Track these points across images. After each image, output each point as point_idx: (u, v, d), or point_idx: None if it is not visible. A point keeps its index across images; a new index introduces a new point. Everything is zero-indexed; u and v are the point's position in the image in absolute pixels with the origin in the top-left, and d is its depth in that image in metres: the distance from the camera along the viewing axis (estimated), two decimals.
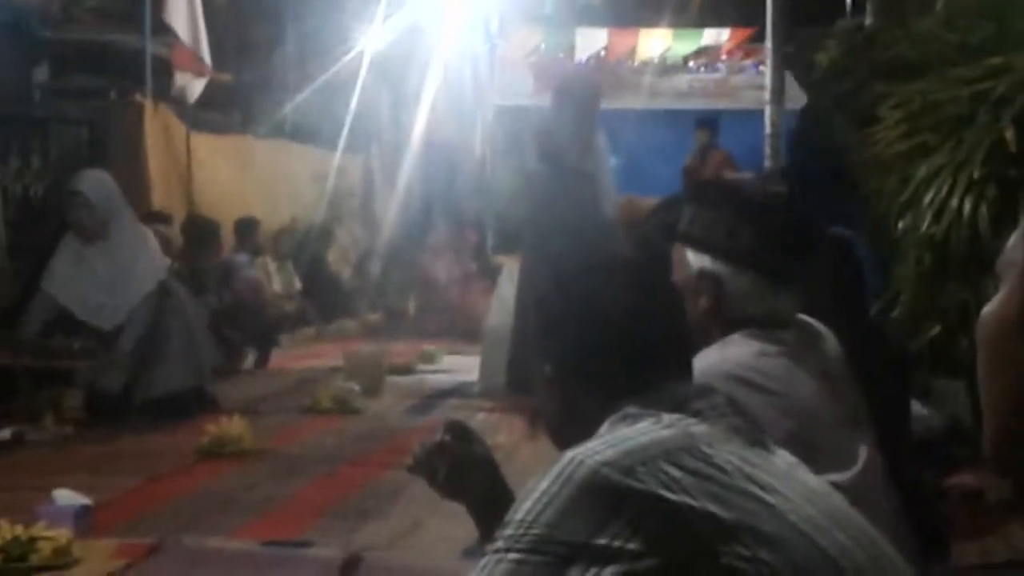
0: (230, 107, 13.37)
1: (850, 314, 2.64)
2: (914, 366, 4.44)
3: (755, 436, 1.84)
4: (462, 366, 8.87)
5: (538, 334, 1.96)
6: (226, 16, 13.32)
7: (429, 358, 9.42)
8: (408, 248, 12.94)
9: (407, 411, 7.50)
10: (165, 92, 11.48)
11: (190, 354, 6.93)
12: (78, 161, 10.91)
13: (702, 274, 2.40)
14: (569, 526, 1.62)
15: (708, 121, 13.06)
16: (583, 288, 1.93)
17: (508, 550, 1.64)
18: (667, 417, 1.76)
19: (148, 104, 10.93)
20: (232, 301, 9.28)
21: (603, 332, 1.88)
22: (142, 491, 5.35)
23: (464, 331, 9.87)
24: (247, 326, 9.17)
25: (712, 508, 1.64)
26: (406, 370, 8.84)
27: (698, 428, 1.76)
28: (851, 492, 1.90)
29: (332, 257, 12.50)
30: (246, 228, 11.01)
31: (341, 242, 12.95)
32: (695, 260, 2.42)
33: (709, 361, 2.27)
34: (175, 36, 11.21)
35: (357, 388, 7.66)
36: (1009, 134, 4.54)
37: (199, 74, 11.61)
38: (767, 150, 9.38)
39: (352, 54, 13.04)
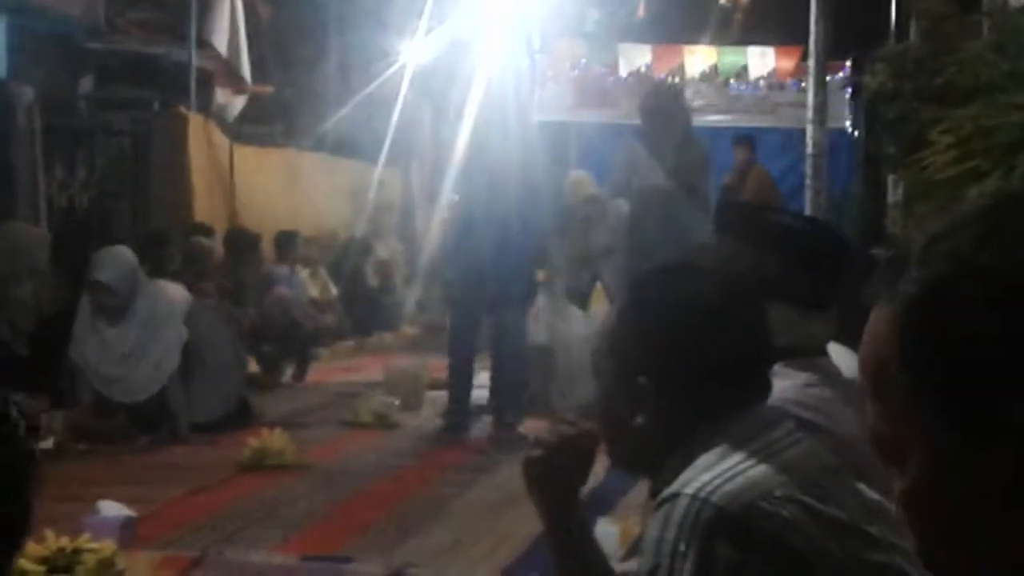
0: (273, 120, 13.44)
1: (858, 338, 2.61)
2: None
3: (832, 469, 1.84)
4: None
5: (632, 343, 1.92)
6: (269, 30, 13.40)
7: None
8: (447, 263, 12.93)
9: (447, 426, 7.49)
10: (208, 105, 11.56)
11: (226, 381, 6.96)
12: (122, 172, 11.01)
13: None
14: None
15: (745, 137, 13.03)
16: (680, 294, 1.91)
17: None
18: (763, 443, 1.76)
19: (192, 116, 11.00)
20: (262, 315, 9.31)
21: (700, 339, 1.86)
22: (185, 503, 5.38)
23: None
24: (282, 340, 9.20)
25: (837, 555, 1.65)
26: (446, 385, 8.82)
27: (793, 456, 1.76)
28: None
29: (371, 271, 12.52)
30: (286, 241, 11.05)
31: (380, 256, 12.96)
32: None
33: None
34: (216, 51, 11.29)
35: (397, 402, 7.67)
36: None
37: (240, 91, 11.69)
38: (808, 169, 9.33)
39: (394, 68, 13.07)
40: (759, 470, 1.70)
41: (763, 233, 2.40)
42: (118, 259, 6.83)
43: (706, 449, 1.76)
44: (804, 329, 2.35)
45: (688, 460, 1.76)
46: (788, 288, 2.33)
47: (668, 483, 1.74)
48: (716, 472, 1.70)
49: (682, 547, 1.64)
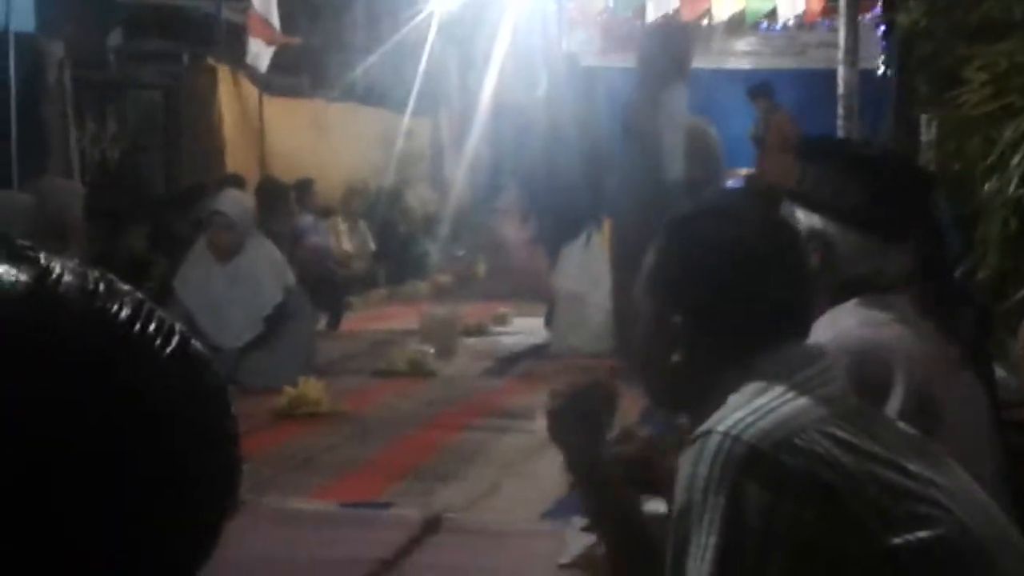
0: (301, 70, 13.43)
1: (936, 274, 2.59)
2: (997, 329, 4.40)
3: (867, 407, 1.84)
4: (534, 328, 8.89)
5: (667, 284, 1.93)
6: None
7: (501, 320, 9.45)
8: (477, 211, 12.96)
9: (482, 373, 7.53)
10: (237, 57, 11.55)
11: (304, 348, 7.03)
12: (153, 125, 11.04)
13: (811, 233, 2.37)
14: (743, 516, 1.64)
15: (760, 89, 12.92)
16: (715, 232, 1.91)
17: (706, 547, 1.65)
18: (798, 381, 1.76)
19: (222, 68, 11.00)
20: (296, 264, 9.35)
21: (735, 278, 1.86)
22: None
23: (533, 293, 9.88)
24: (316, 290, 9.24)
25: (871, 490, 1.65)
26: (479, 332, 8.87)
27: (829, 393, 1.76)
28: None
29: (402, 219, 12.54)
30: (303, 189, 11.11)
31: (410, 204, 12.98)
32: (804, 219, 2.40)
33: (824, 335, 2.26)
34: (247, 2, 11.27)
35: (431, 350, 7.70)
36: None
37: (270, 41, 11.68)
38: (840, 111, 9.26)
39: (421, 16, 13.03)
40: (792, 406, 1.71)
41: (844, 161, 2.40)
42: (240, 197, 7.31)
43: (740, 387, 1.77)
44: (880, 260, 2.35)
45: (723, 399, 1.77)
46: (865, 216, 2.34)
47: (704, 421, 1.75)
48: (749, 410, 1.70)
49: (714, 485, 1.65)
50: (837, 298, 2.35)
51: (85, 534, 0.67)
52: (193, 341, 0.74)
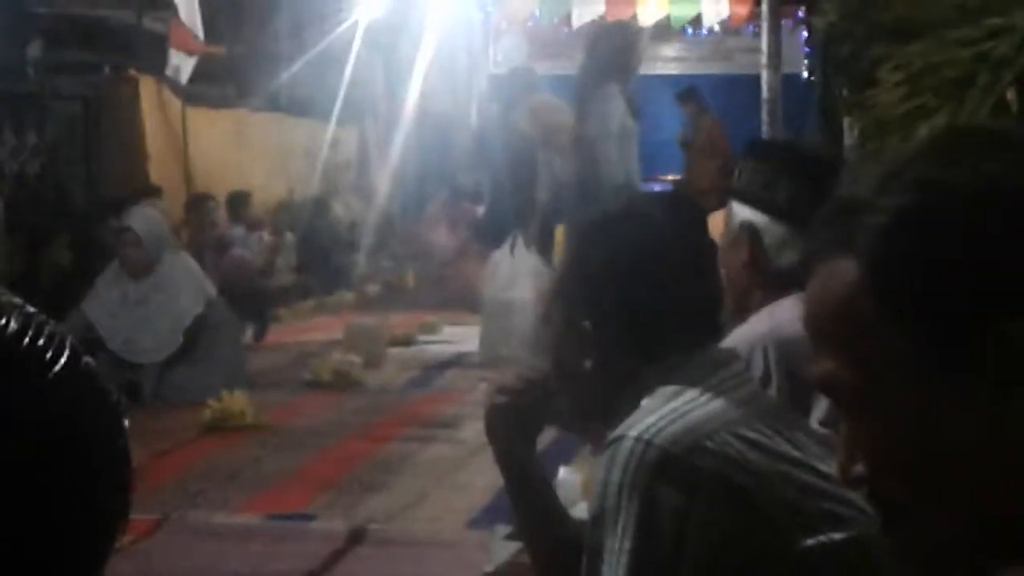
0: (224, 80, 13.32)
1: None
2: None
3: (781, 407, 1.84)
4: (462, 336, 8.87)
5: (577, 288, 1.92)
6: None
7: (429, 329, 9.41)
8: (405, 220, 12.93)
9: (408, 383, 7.50)
10: (159, 67, 11.43)
11: (229, 362, 6.95)
12: (73, 137, 10.90)
13: (743, 225, 2.42)
14: (656, 520, 1.62)
15: (687, 93, 13.03)
16: (625, 236, 1.90)
17: (620, 552, 1.64)
18: (711, 384, 1.75)
19: (144, 79, 10.89)
20: (221, 276, 9.27)
21: (645, 281, 1.85)
22: (147, 467, 5.34)
23: (462, 301, 9.86)
24: (241, 302, 9.15)
25: (783, 490, 1.64)
26: (406, 341, 8.83)
27: (742, 395, 1.76)
28: None
29: (328, 230, 12.48)
30: (238, 201, 11.00)
31: (337, 214, 12.92)
32: (739, 211, 2.45)
33: (761, 328, 2.27)
34: (170, 12, 11.16)
35: (358, 360, 7.65)
36: (1010, 95, 4.51)
37: (192, 51, 11.58)
38: (764, 115, 9.33)
39: (346, 25, 12.97)
40: (705, 410, 1.70)
41: (775, 157, 2.48)
42: (151, 215, 7.19)
43: (653, 392, 1.76)
44: None
45: (636, 404, 1.76)
46: (791, 209, 2.39)
47: (617, 427, 1.74)
48: (661, 414, 1.69)
49: (627, 490, 1.64)
50: (774, 293, 2.37)
51: None
52: (84, 357, 0.71)
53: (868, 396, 0.92)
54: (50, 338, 0.70)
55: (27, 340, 0.68)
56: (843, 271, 0.93)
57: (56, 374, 0.69)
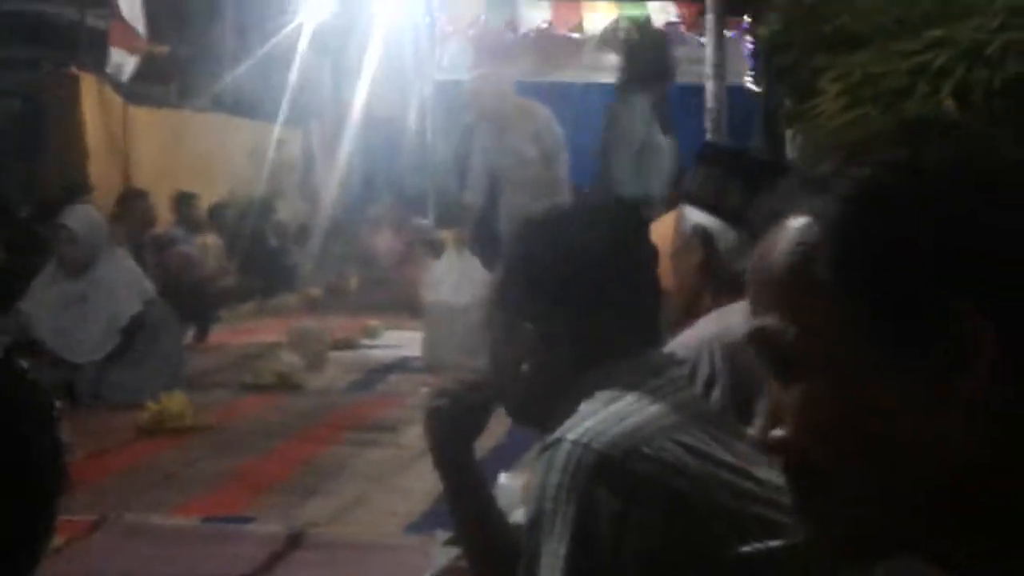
0: (167, 80, 13.22)
1: None
2: None
3: (721, 413, 1.85)
4: (404, 341, 8.84)
5: (517, 290, 1.91)
6: None
7: (371, 333, 9.38)
8: (349, 223, 12.87)
9: (350, 386, 7.46)
10: (100, 65, 11.32)
11: (170, 362, 6.89)
12: (12, 134, 10.77)
13: (695, 229, 2.43)
14: (593, 524, 1.62)
15: None
16: (565, 237, 1.90)
17: (557, 556, 1.64)
18: (649, 388, 1.75)
19: (85, 77, 10.78)
20: (164, 276, 9.18)
21: (584, 283, 1.85)
22: (83, 467, 5.27)
23: (405, 306, 9.84)
24: (182, 301, 9.07)
25: (720, 496, 1.64)
26: (348, 345, 8.79)
27: (680, 400, 1.76)
28: None
29: (271, 231, 12.41)
30: (184, 203, 10.90)
31: (281, 216, 12.85)
32: (690, 215, 2.46)
33: (709, 330, 2.28)
34: (111, 9, 11.06)
35: (300, 363, 7.61)
36: (948, 106, 4.57)
37: (134, 49, 11.48)
38: (707, 124, 9.38)
39: (292, 26, 12.92)
40: (643, 414, 1.70)
41: (728, 163, 2.49)
42: (88, 213, 7.09)
43: (591, 396, 1.76)
44: None
45: (575, 407, 1.76)
46: (743, 215, 2.39)
47: (555, 431, 1.74)
48: (599, 418, 1.69)
49: (564, 494, 1.63)
50: (723, 297, 2.38)
51: None
52: (13, 357, 0.70)
53: (808, 357, 0.92)
54: None
55: None
56: (802, 230, 0.94)
57: None
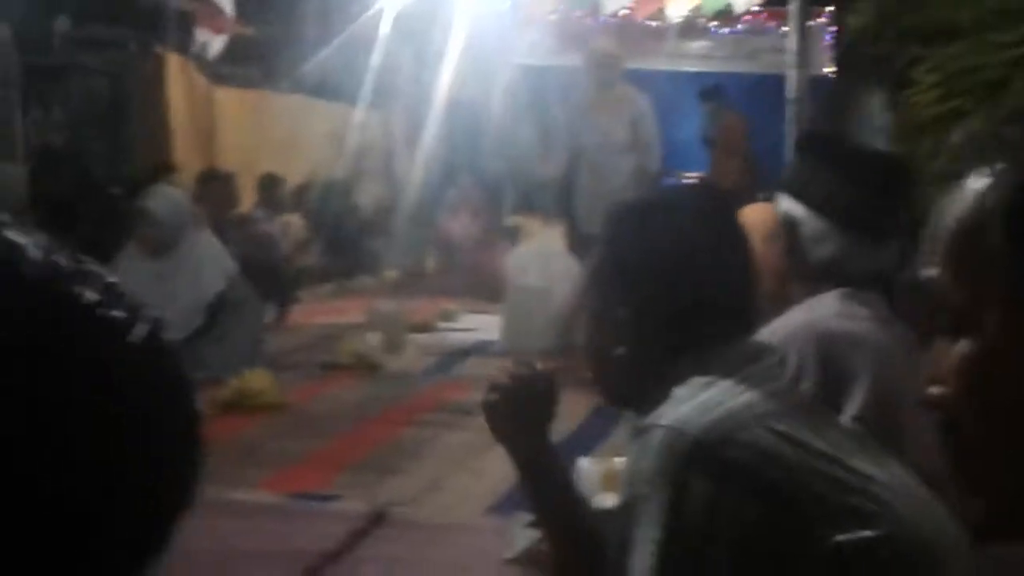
0: (252, 61, 13.34)
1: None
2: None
3: (814, 402, 1.85)
4: (481, 324, 8.87)
5: (612, 276, 1.93)
6: None
7: (449, 316, 9.41)
8: (428, 207, 12.92)
9: (428, 368, 7.50)
10: (186, 46, 11.45)
11: (249, 341, 6.96)
12: (98, 112, 10.93)
13: (783, 217, 2.43)
14: (687, 510, 1.63)
15: (709, 91, 13.05)
16: (662, 225, 1.91)
17: (650, 541, 1.65)
18: (744, 376, 1.76)
19: (170, 56, 10.90)
20: (243, 255, 9.27)
21: (680, 270, 1.86)
22: None
23: (482, 290, 9.86)
24: (261, 280, 9.16)
25: (814, 485, 1.64)
26: (426, 327, 8.82)
27: (775, 388, 1.76)
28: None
29: (351, 214, 12.49)
30: (270, 184, 10.98)
31: (361, 199, 12.93)
32: (783, 203, 2.46)
33: (799, 320, 2.27)
34: None
35: (378, 344, 7.66)
36: None
37: (220, 30, 11.58)
38: (788, 115, 9.31)
39: (374, 10, 12.97)
40: (738, 401, 1.70)
41: (821, 151, 2.47)
42: (170, 194, 7.13)
43: (686, 382, 1.76)
44: (846, 251, 2.37)
45: (668, 393, 1.77)
46: (831, 204, 2.38)
47: (649, 416, 1.74)
48: (694, 404, 1.69)
49: (657, 479, 1.64)
50: (812, 286, 2.37)
51: (48, 519, 0.64)
52: (161, 327, 0.72)
53: (975, 318, 0.92)
54: (128, 307, 0.70)
55: (105, 308, 0.69)
56: (981, 193, 0.94)
57: (133, 341, 0.69)
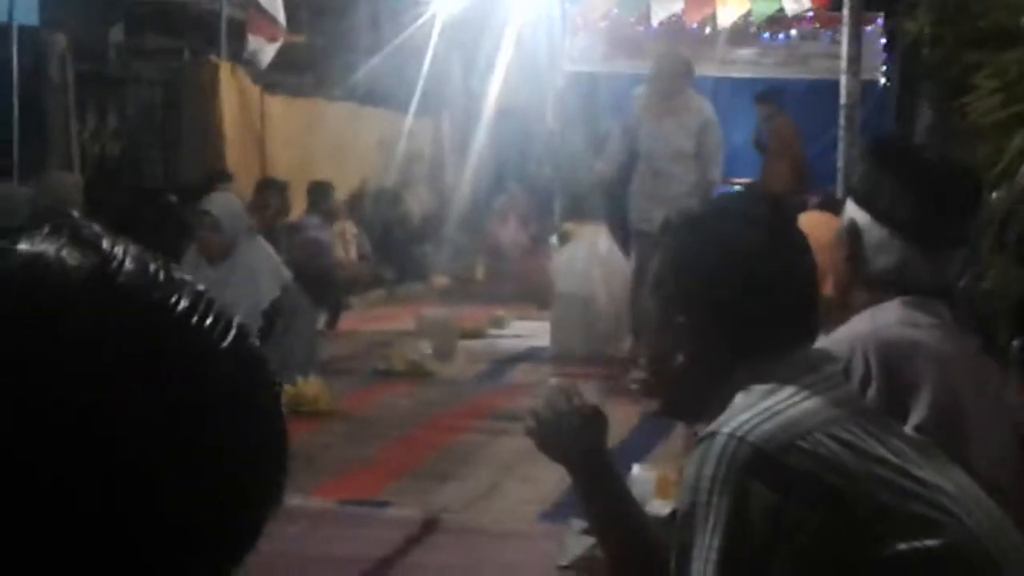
0: (303, 69, 13.41)
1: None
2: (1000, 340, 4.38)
3: (877, 411, 1.83)
4: (531, 331, 8.88)
5: (671, 283, 1.92)
6: None
7: (499, 323, 9.44)
8: (477, 214, 12.95)
9: (479, 375, 7.52)
10: (238, 54, 11.53)
11: (295, 352, 6.99)
12: (153, 121, 11.03)
13: (848, 224, 2.41)
14: (747, 518, 1.62)
15: (766, 94, 12.98)
16: (721, 233, 1.90)
17: (710, 549, 1.64)
18: (806, 384, 1.75)
19: (223, 65, 10.99)
20: (294, 262, 9.32)
21: (740, 279, 1.85)
22: None
23: (531, 296, 9.88)
24: (314, 288, 9.21)
25: (877, 494, 1.63)
26: (476, 334, 8.85)
27: (836, 396, 1.75)
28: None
29: (401, 221, 12.53)
30: (320, 192, 11.03)
31: (410, 206, 12.97)
32: (849, 210, 2.44)
33: (862, 329, 2.26)
34: None
35: (429, 351, 7.68)
36: None
37: (272, 38, 11.65)
38: (841, 121, 9.26)
39: (424, 18, 13.01)
40: (799, 409, 1.69)
41: (884, 159, 2.44)
42: (229, 200, 7.23)
43: (746, 390, 1.76)
44: (909, 259, 2.36)
45: (729, 401, 1.76)
46: (896, 212, 2.35)
47: (710, 423, 1.74)
48: (754, 412, 1.68)
49: (718, 486, 1.63)
50: (876, 294, 2.36)
51: (142, 530, 0.65)
52: (250, 336, 0.73)
53: None
54: (218, 316, 0.71)
55: (196, 317, 0.69)
56: None
57: (224, 350, 0.70)
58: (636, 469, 4.21)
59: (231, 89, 11.02)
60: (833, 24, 12.81)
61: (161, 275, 0.69)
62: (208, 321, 0.70)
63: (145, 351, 0.66)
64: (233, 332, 0.71)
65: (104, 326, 0.66)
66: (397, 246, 12.04)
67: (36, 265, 0.66)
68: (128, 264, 0.68)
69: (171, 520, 0.66)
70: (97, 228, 0.70)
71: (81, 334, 0.65)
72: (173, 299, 0.69)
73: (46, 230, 0.68)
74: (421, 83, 12.85)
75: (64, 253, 0.67)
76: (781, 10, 13.24)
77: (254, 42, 11.50)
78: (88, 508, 0.64)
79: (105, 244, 0.69)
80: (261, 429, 0.72)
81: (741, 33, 14.21)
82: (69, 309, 0.65)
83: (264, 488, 0.72)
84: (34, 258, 0.67)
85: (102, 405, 0.64)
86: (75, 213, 0.71)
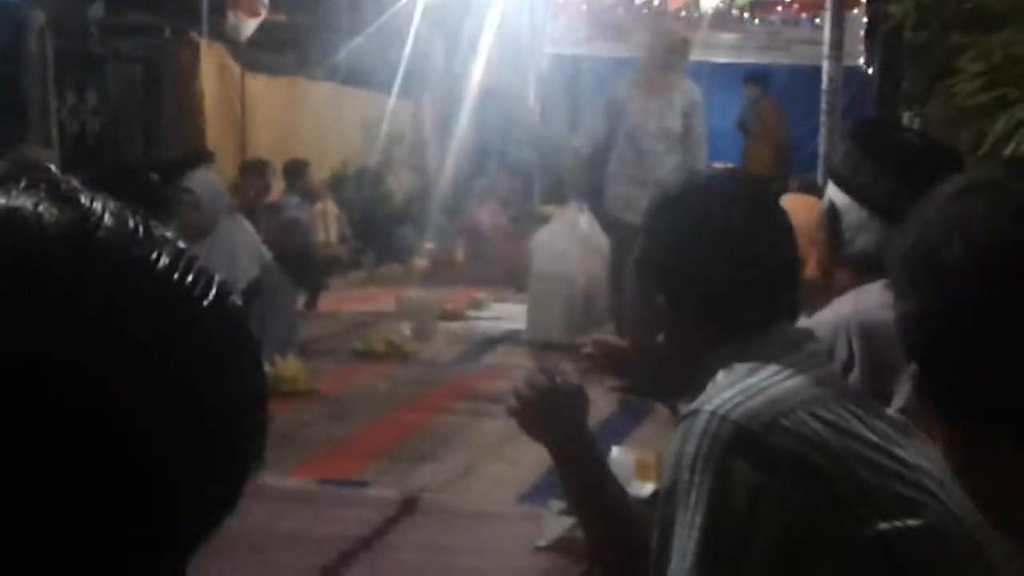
0: (284, 48, 13.35)
1: None
2: None
3: (860, 392, 1.83)
4: (510, 313, 8.87)
5: (651, 263, 1.92)
6: None
7: (478, 305, 9.42)
8: (458, 196, 12.92)
9: (458, 357, 7.51)
10: (220, 32, 11.47)
11: (273, 332, 6.97)
12: (133, 99, 10.97)
13: (828, 205, 2.42)
14: (730, 496, 1.62)
15: (756, 75, 12.98)
16: (701, 210, 1.89)
17: (692, 526, 1.63)
18: (788, 362, 1.74)
19: (204, 43, 10.93)
20: (273, 242, 9.28)
21: (719, 256, 1.84)
22: None
23: (511, 278, 9.87)
24: (292, 267, 9.17)
25: (859, 472, 1.63)
26: (456, 316, 8.84)
27: (819, 375, 1.75)
28: None
29: (381, 202, 12.50)
30: (295, 170, 11.00)
31: (391, 187, 12.94)
32: (830, 191, 2.44)
33: (845, 311, 2.25)
34: None
35: (408, 332, 7.67)
36: None
37: (253, 13, 11.58)
38: (823, 106, 9.26)
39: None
40: (782, 387, 1.69)
41: (866, 140, 2.44)
42: (210, 178, 7.14)
43: (728, 368, 1.75)
44: (882, 238, 2.35)
45: (711, 379, 1.75)
46: (873, 193, 2.36)
47: (692, 401, 1.73)
48: (737, 389, 1.68)
49: (700, 465, 1.63)
50: (858, 276, 2.35)
51: (119, 487, 0.64)
52: (232, 294, 0.72)
53: None
54: (199, 273, 0.70)
55: (177, 274, 0.68)
56: None
57: (206, 307, 0.69)
58: (615, 451, 4.21)
59: (212, 67, 10.97)
60: (815, 8, 12.83)
61: (141, 231, 0.68)
62: (189, 278, 0.68)
63: (124, 307, 0.65)
64: (214, 290, 0.70)
65: (82, 282, 0.65)
66: (378, 227, 12.01)
67: (13, 219, 0.65)
68: (107, 220, 0.67)
69: (150, 477, 0.65)
70: (75, 183, 0.68)
71: (59, 290, 0.64)
72: (153, 255, 0.68)
73: (23, 184, 0.67)
74: (403, 64, 12.81)
75: (42, 208, 0.66)
76: (757, 1, 13.26)
77: (234, 16, 11.44)
78: (65, 465, 0.63)
79: (84, 199, 0.67)
80: (241, 386, 0.71)
81: (723, 17, 14.20)
82: (47, 264, 0.64)
83: (243, 445, 0.71)
84: (10, 212, 0.65)
85: (79, 361, 0.63)
86: (53, 168, 0.69)
